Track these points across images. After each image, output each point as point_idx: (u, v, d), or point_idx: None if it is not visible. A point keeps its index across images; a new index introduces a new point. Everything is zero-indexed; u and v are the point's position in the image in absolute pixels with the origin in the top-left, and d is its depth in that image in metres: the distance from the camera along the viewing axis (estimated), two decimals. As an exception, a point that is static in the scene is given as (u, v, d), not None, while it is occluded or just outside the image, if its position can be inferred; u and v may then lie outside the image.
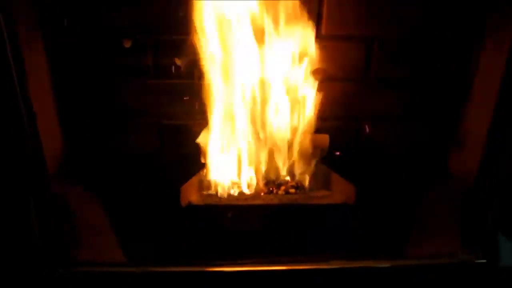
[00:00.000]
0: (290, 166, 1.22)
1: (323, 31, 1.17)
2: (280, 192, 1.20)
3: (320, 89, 1.18)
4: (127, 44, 1.12)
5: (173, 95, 1.21)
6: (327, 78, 1.19)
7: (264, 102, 1.16)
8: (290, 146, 1.19)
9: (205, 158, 1.18)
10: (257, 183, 1.20)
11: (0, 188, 0.98)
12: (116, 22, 1.14)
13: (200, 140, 1.17)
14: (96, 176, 1.16)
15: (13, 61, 0.88)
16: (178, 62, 1.16)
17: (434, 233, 1.11)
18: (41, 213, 0.99)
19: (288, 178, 1.23)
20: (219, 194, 1.17)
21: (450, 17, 1.17)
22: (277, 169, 1.22)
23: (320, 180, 1.22)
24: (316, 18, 1.16)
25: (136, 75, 1.20)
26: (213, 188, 1.18)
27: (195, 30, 1.08)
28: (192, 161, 1.19)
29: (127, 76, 1.20)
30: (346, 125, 1.28)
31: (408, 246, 1.09)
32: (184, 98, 1.19)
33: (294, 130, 1.19)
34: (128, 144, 1.25)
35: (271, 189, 1.20)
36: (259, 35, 1.11)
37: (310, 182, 1.22)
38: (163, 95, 1.22)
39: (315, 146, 1.20)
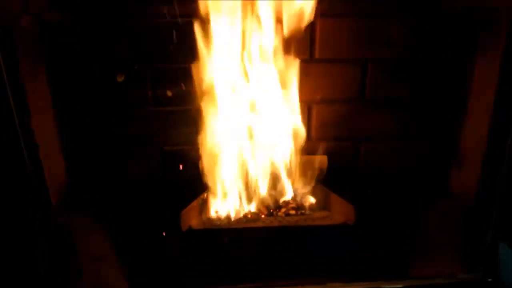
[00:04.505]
0: (289, 188, 1.23)
1: (316, 55, 1.20)
2: (280, 214, 1.20)
3: (318, 110, 1.20)
4: (120, 79, 1.16)
5: (174, 121, 1.24)
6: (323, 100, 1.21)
7: (262, 125, 1.18)
8: (289, 168, 1.21)
9: (206, 182, 1.19)
10: (257, 206, 1.21)
11: (5, 220, 1.01)
12: (116, 52, 1.18)
13: (201, 164, 1.19)
14: (99, 204, 1.18)
15: (13, 96, 0.91)
16: (169, 94, 1.19)
17: (435, 252, 1.10)
18: (46, 243, 1.02)
19: (288, 200, 1.23)
20: (219, 218, 1.18)
21: (443, 37, 1.19)
22: (277, 192, 1.22)
23: (319, 201, 1.23)
24: (309, 41, 1.19)
25: (137, 103, 1.23)
26: (213, 212, 1.19)
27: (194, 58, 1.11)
28: (193, 185, 1.20)
29: (128, 105, 1.23)
30: (344, 145, 1.29)
31: (409, 266, 1.08)
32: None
33: (292, 153, 1.20)
34: (131, 171, 1.28)
35: (271, 211, 1.21)
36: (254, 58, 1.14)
37: (310, 203, 1.22)
38: (164, 122, 1.25)
39: (313, 167, 1.21)
